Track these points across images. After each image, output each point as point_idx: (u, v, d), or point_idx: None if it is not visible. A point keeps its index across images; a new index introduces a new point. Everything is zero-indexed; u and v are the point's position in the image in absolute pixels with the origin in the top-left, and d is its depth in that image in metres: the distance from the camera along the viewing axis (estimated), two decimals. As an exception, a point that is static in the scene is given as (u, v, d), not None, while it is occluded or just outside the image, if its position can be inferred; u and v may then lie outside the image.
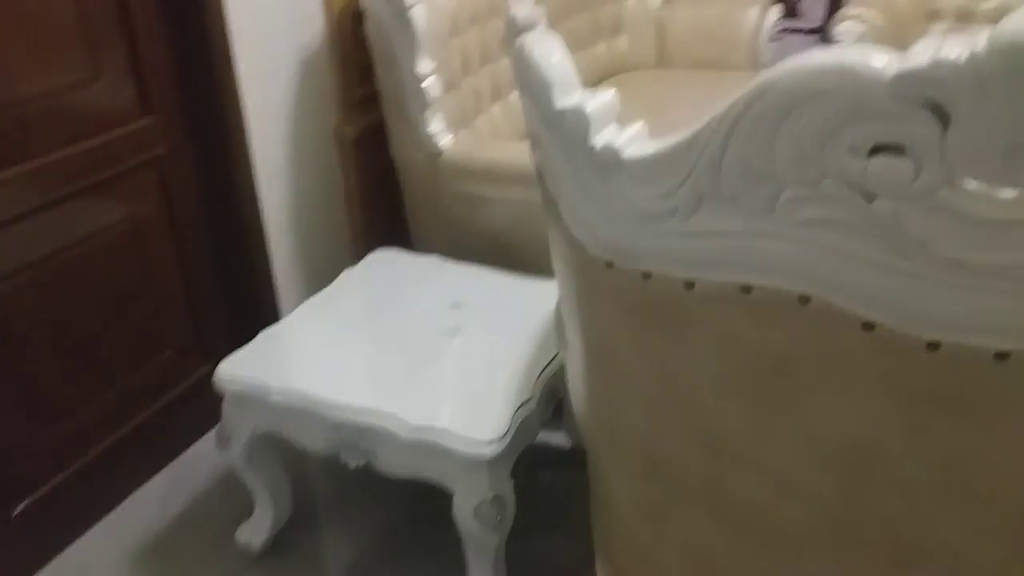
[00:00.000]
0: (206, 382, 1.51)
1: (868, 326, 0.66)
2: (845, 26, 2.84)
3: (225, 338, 1.92)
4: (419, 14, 1.77)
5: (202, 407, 1.77)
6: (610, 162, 0.73)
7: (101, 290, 1.62)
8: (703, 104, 2.43)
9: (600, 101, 0.76)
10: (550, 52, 0.78)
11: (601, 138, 0.74)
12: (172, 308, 1.79)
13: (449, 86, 2.07)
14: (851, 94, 0.56)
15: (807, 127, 0.59)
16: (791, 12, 5.87)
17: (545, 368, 1.45)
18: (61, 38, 1.46)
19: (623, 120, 0.78)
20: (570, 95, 0.76)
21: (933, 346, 0.64)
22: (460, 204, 1.93)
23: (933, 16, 3.12)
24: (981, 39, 0.52)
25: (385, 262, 1.88)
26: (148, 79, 1.62)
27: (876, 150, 0.58)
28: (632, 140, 0.74)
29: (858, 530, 0.76)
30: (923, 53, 0.54)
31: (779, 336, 0.72)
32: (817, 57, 0.58)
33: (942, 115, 0.54)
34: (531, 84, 0.80)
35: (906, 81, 0.54)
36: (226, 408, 1.52)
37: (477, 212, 1.89)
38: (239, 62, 1.72)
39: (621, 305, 0.84)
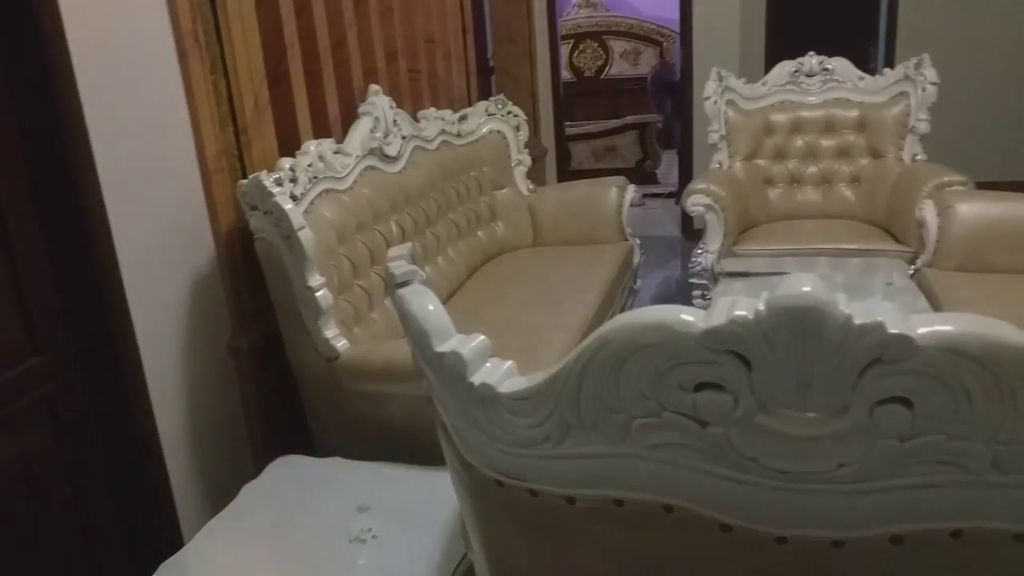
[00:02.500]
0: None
1: (725, 528, 0.76)
2: (694, 199, 3.18)
3: (124, 567, 1.84)
4: (306, 235, 1.89)
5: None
6: (488, 396, 0.83)
7: (-14, 537, 1.55)
8: (578, 275, 2.63)
9: (474, 343, 0.86)
10: (426, 303, 0.89)
11: (478, 376, 0.84)
12: (66, 545, 1.71)
13: (342, 289, 2.17)
14: (671, 347, 0.69)
15: (641, 372, 0.71)
16: (651, 178, 6.48)
17: (456, 570, 1.47)
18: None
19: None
20: (447, 340, 0.86)
21: (781, 540, 0.74)
22: (361, 403, 1.98)
23: (768, 183, 3.54)
24: (762, 300, 0.66)
25: (287, 470, 1.88)
26: (36, 320, 1.64)
27: (701, 386, 0.70)
28: (505, 375, 0.84)
29: None
30: (722, 311, 0.67)
31: (653, 542, 0.80)
32: (641, 316, 0.71)
33: (745, 359, 0.67)
34: (411, 331, 0.90)
35: (711, 336, 0.67)
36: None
37: (378, 409, 1.94)
38: (130, 292, 1.77)
39: (514, 520, 0.91)
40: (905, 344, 0.62)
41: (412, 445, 1.88)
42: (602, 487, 0.80)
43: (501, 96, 3.56)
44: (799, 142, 3.50)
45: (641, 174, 6.43)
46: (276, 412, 2.22)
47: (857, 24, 5.20)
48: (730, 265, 3.07)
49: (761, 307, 0.65)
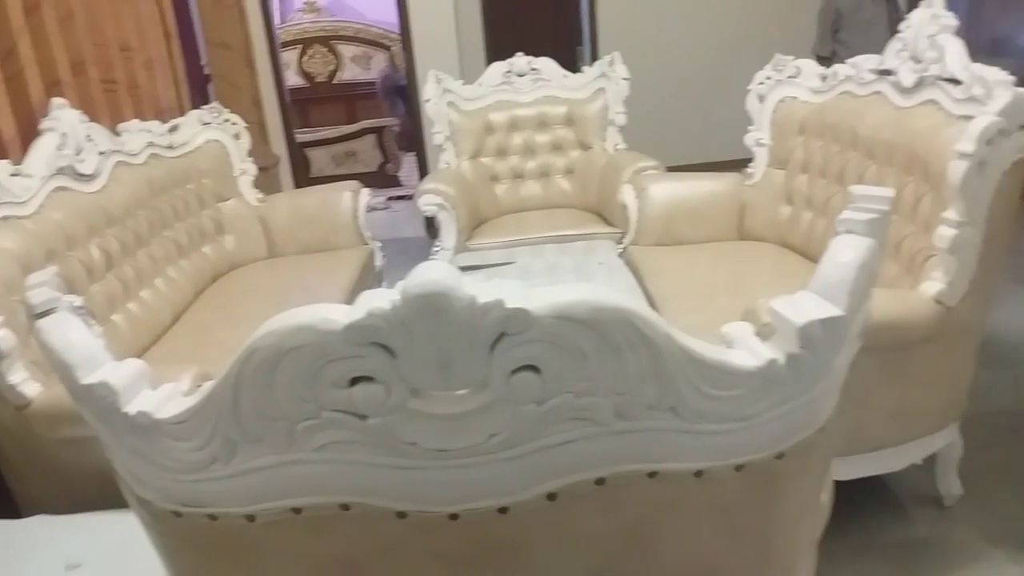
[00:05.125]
0: None
1: (401, 515, 0.78)
2: (425, 199, 3.25)
3: None
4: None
5: None
6: (147, 425, 0.78)
7: None
8: (316, 284, 2.55)
9: (128, 370, 0.80)
10: (68, 333, 0.82)
11: (134, 404, 0.78)
12: None
13: (32, 327, 1.93)
14: (318, 346, 0.69)
15: (294, 375, 0.70)
16: (393, 181, 6.52)
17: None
18: None
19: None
20: (95, 371, 0.79)
21: (453, 516, 0.77)
22: (62, 451, 1.77)
23: (494, 179, 3.71)
24: (397, 290, 0.68)
25: (-24, 542, 1.64)
26: None
27: (354, 381, 0.71)
28: (164, 400, 0.79)
29: None
30: (363, 306, 0.69)
31: (336, 542, 0.80)
32: (286, 320, 0.70)
33: (388, 349, 0.69)
34: (56, 365, 0.82)
35: (353, 331, 0.68)
36: None
37: (82, 456, 1.74)
38: None
39: (200, 548, 0.86)
40: (523, 317, 0.67)
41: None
42: (278, 498, 0.78)
43: (216, 104, 3.38)
44: (518, 139, 3.70)
45: (384, 177, 6.45)
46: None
47: (566, 26, 5.62)
48: (465, 260, 3.18)
49: (396, 297, 0.67)
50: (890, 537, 2.09)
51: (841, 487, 2.19)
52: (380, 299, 0.68)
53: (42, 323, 0.84)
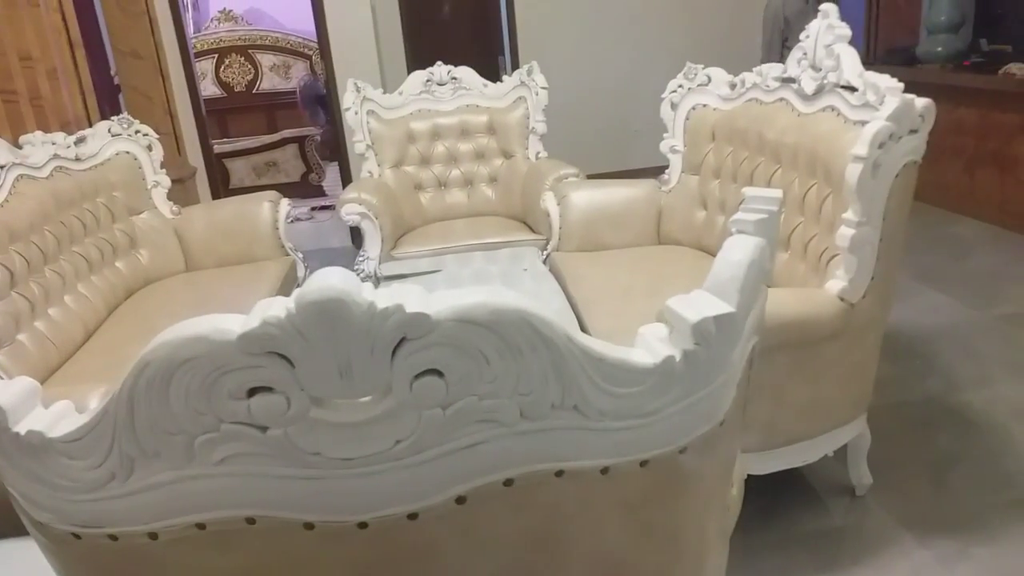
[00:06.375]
0: None
1: (308, 526, 0.77)
2: (347, 208, 3.22)
3: None
4: None
5: None
6: (39, 444, 0.75)
7: None
8: (236, 297, 2.49)
9: (15, 388, 0.77)
10: (-48, 353, 0.78)
11: (25, 424, 0.75)
12: None
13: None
14: (212, 357, 0.67)
15: (189, 387, 0.69)
16: (318, 191, 6.43)
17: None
18: None
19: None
20: (-20, 391, 0.76)
21: (362, 525, 0.77)
22: (-41, 481, 1.68)
23: (418, 188, 3.70)
24: (293, 298, 0.68)
25: None
26: None
27: (253, 392, 0.70)
28: (58, 418, 0.76)
29: None
30: (257, 314, 0.68)
31: (243, 557, 0.79)
32: (179, 331, 0.69)
33: (286, 358, 0.68)
34: (-63, 387, 0.78)
35: (247, 340, 0.67)
36: None
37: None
38: None
39: (100, 571, 0.83)
40: (423, 321, 0.68)
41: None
42: (181, 515, 0.76)
43: (126, 115, 3.28)
44: (440, 148, 3.71)
45: (307, 187, 6.35)
46: None
47: (487, 36, 5.66)
48: (390, 269, 3.16)
49: (291, 305, 0.67)
50: (808, 527, 2.17)
51: (760, 481, 2.27)
52: (275, 307, 0.68)
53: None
